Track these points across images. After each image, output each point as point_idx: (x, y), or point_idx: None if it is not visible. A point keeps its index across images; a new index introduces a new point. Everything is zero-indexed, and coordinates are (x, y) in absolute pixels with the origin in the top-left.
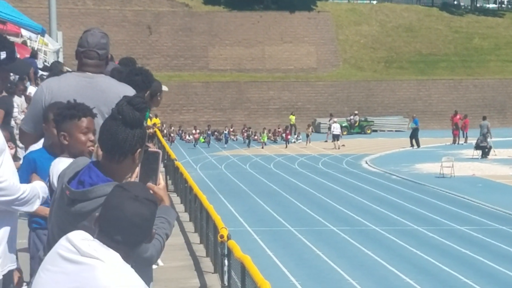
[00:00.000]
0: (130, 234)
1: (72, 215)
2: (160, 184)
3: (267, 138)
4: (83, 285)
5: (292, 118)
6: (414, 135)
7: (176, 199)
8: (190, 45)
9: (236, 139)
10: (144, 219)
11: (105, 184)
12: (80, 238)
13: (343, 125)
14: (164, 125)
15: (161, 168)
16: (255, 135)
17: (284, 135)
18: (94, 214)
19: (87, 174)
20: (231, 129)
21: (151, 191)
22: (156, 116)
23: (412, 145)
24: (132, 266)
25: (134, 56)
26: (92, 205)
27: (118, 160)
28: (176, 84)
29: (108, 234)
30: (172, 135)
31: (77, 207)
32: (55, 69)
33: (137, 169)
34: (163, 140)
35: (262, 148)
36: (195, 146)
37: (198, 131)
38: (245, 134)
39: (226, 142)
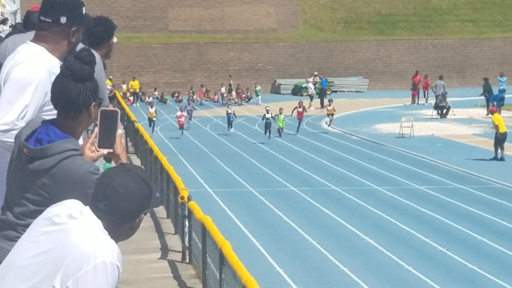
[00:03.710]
0: (112, 204)
1: (30, 173)
2: (118, 143)
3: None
4: (58, 243)
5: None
6: (321, 96)
7: (136, 161)
8: (149, 6)
9: (195, 101)
10: (130, 192)
11: (64, 141)
12: (73, 204)
13: (303, 86)
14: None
15: (121, 128)
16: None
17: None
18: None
19: (45, 132)
20: (191, 91)
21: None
22: (134, 79)
23: (322, 106)
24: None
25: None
26: (50, 162)
27: (74, 117)
28: (136, 46)
29: (93, 201)
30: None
31: (36, 165)
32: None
33: (96, 129)
34: (123, 101)
35: (280, 135)
36: (182, 134)
37: (183, 114)
38: (264, 119)
39: (231, 125)
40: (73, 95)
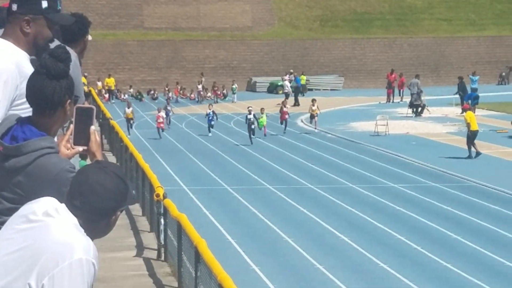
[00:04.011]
0: (88, 201)
1: (6, 171)
2: (93, 140)
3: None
4: (34, 241)
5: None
6: (296, 94)
7: (111, 158)
8: (124, 3)
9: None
10: (106, 189)
11: (39, 139)
12: (49, 202)
13: (279, 84)
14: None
15: (96, 125)
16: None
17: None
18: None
19: (20, 130)
20: (166, 88)
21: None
22: (109, 76)
23: (295, 104)
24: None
25: None
26: (26, 159)
27: (50, 114)
28: (111, 43)
29: (69, 199)
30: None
31: (11, 162)
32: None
33: (72, 126)
34: (98, 99)
35: (265, 135)
36: (160, 137)
37: (160, 115)
38: (248, 119)
39: (211, 127)
40: (48, 92)
